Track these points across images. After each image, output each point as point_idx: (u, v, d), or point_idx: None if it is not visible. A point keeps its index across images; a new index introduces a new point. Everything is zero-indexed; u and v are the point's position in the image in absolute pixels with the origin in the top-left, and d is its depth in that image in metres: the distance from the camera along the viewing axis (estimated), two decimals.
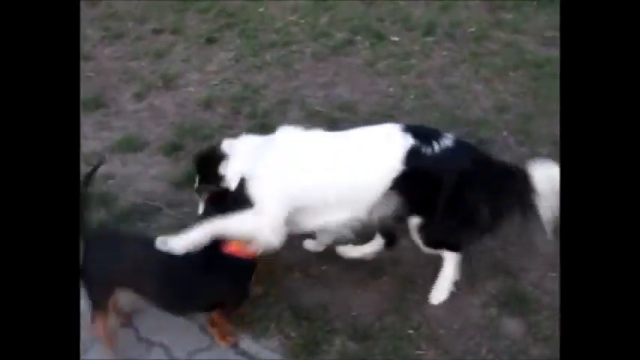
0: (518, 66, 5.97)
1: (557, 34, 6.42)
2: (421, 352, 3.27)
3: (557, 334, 3.32)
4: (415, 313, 3.48)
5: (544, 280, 3.67)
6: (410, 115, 5.26)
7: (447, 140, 3.22)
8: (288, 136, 3.39)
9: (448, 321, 3.44)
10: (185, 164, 4.69)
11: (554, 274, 3.69)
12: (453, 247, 3.49)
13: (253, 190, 3.19)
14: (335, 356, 3.24)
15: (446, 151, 3.18)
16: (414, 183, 3.20)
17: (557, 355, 3.16)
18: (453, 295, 3.56)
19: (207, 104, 5.56)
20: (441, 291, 3.55)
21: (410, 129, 3.24)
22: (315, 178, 3.21)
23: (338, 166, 3.23)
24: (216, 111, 5.46)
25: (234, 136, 4.91)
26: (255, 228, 3.14)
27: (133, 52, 6.60)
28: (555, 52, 6.05)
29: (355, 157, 3.24)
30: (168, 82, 5.96)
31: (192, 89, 5.88)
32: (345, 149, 3.28)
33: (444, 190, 3.20)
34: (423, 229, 3.34)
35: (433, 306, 3.52)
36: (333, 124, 5.14)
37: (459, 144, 3.26)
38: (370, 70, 6.00)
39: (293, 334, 3.35)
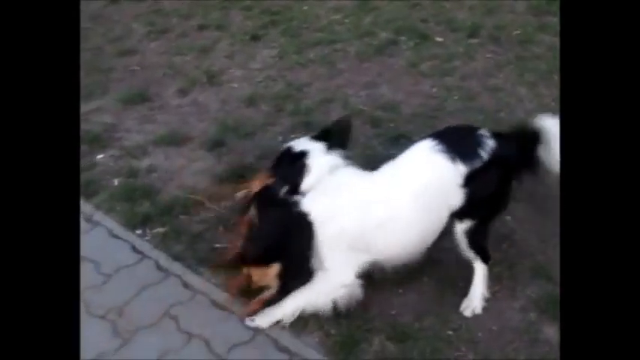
0: None
1: None
2: (460, 354, 3.26)
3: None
4: (454, 315, 3.47)
5: None
6: (453, 116, 5.23)
7: (488, 140, 3.25)
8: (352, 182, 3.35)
9: (487, 324, 3.42)
10: (228, 160, 4.72)
11: None
12: (486, 255, 3.50)
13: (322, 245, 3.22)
14: (373, 356, 3.24)
15: (491, 154, 3.22)
16: (471, 197, 3.25)
17: None
18: (493, 298, 3.55)
19: (251, 101, 5.58)
20: (475, 301, 3.52)
21: (450, 148, 3.23)
22: (384, 232, 3.25)
23: (404, 218, 3.25)
24: (259, 108, 5.48)
25: (278, 133, 4.99)
26: (333, 293, 3.31)
27: (178, 48, 6.65)
28: None
29: (418, 203, 3.25)
30: (212, 78, 5.99)
31: (235, 85, 5.91)
32: (404, 195, 3.26)
33: (493, 192, 3.30)
34: (471, 232, 3.36)
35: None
36: (376, 123, 5.15)
37: (498, 140, 3.29)
38: (413, 71, 5.98)
39: (332, 332, 3.35)
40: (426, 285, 3.63)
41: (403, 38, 6.57)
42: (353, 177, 3.33)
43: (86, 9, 7.02)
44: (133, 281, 3.66)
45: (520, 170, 3.39)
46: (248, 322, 3.38)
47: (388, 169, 3.35)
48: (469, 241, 3.38)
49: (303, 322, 3.40)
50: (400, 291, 3.62)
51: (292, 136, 4.95)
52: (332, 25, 6.83)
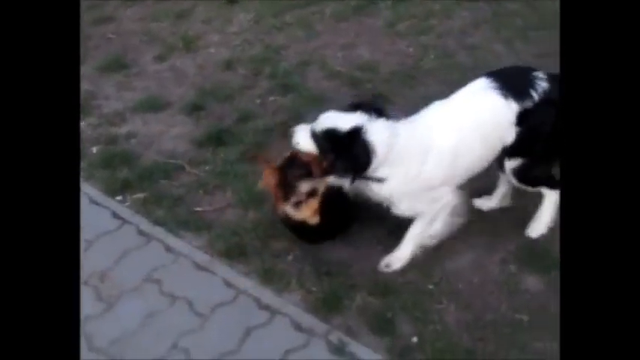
0: (539, 26, 5.91)
1: None
2: (441, 306, 3.29)
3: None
4: (436, 269, 3.50)
5: None
6: (430, 75, 5.24)
7: (542, 82, 3.27)
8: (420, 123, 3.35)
9: (468, 277, 3.46)
10: (207, 124, 4.72)
11: None
12: (551, 185, 3.54)
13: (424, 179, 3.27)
14: (356, 311, 3.27)
15: (544, 95, 3.25)
16: (522, 136, 3.30)
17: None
18: (473, 252, 3.59)
19: (228, 65, 5.56)
20: (541, 225, 3.64)
21: (501, 83, 3.27)
22: (460, 156, 3.29)
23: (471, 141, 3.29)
24: (236, 72, 5.46)
25: (256, 96, 4.99)
26: (445, 209, 3.41)
27: (154, 14, 6.60)
28: None
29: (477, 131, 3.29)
30: (189, 44, 5.96)
31: (212, 50, 5.89)
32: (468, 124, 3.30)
33: (543, 132, 3.29)
34: (522, 169, 3.43)
35: (454, 262, 3.53)
36: (354, 84, 5.16)
37: (550, 82, 3.29)
38: (391, 31, 5.97)
39: (314, 289, 3.38)
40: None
41: None
42: (416, 128, 3.30)
43: None
44: (115, 247, 3.67)
45: None
46: (384, 269, 3.49)
47: (444, 108, 3.37)
48: (520, 177, 3.46)
49: (285, 281, 3.43)
50: (380, 247, 3.63)
51: (271, 98, 4.96)
52: None
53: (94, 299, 3.35)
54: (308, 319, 3.21)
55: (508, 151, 3.37)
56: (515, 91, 3.25)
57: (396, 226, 3.64)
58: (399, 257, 3.50)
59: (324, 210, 3.44)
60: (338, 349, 3.05)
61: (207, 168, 4.27)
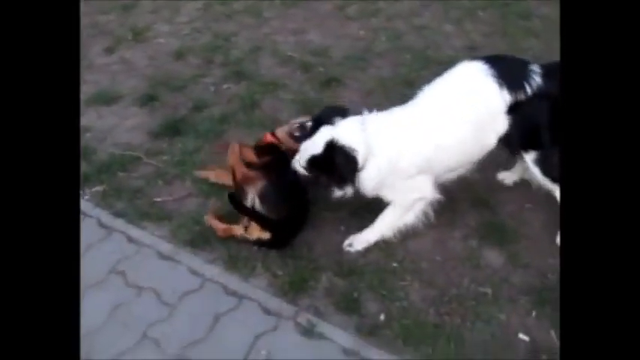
0: (487, 5, 6.00)
1: None
2: (406, 283, 3.34)
3: (536, 262, 3.42)
4: (398, 248, 3.54)
5: (521, 212, 3.75)
6: (382, 57, 5.29)
7: (535, 75, 3.26)
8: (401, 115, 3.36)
9: (431, 254, 3.51)
10: (161, 114, 4.69)
11: (530, 206, 3.77)
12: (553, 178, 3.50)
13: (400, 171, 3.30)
14: (322, 292, 3.29)
15: (539, 87, 3.24)
16: (521, 125, 3.31)
17: (536, 282, 3.29)
18: (435, 230, 3.63)
19: (179, 55, 5.53)
20: None
21: (497, 71, 3.26)
22: (440, 145, 3.30)
23: (457, 134, 3.31)
24: (188, 61, 5.43)
25: (210, 84, 4.97)
26: (421, 202, 3.48)
27: (101, 7, 6.52)
28: None
29: (465, 122, 3.30)
30: (138, 35, 5.91)
31: (162, 40, 5.85)
32: (452, 114, 3.30)
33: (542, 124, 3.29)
34: (540, 162, 3.40)
35: (416, 240, 3.57)
36: (307, 68, 5.17)
37: (545, 74, 3.28)
38: (340, 15, 6.01)
39: (280, 273, 3.40)
40: (367, 221, 3.66)
41: None
42: (399, 116, 3.34)
43: None
44: None
45: None
46: (347, 247, 3.53)
47: (434, 92, 3.38)
48: (543, 172, 3.41)
49: (250, 266, 3.44)
50: (342, 228, 3.67)
51: (225, 86, 4.95)
52: None
53: None
54: (276, 303, 3.23)
55: (518, 142, 3.39)
56: (509, 82, 3.25)
57: (359, 208, 3.68)
58: (364, 240, 3.54)
59: (269, 225, 3.46)
60: (307, 330, 3.08)
61: (164, 158, 4.24)
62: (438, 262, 3.47)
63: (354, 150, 3.15)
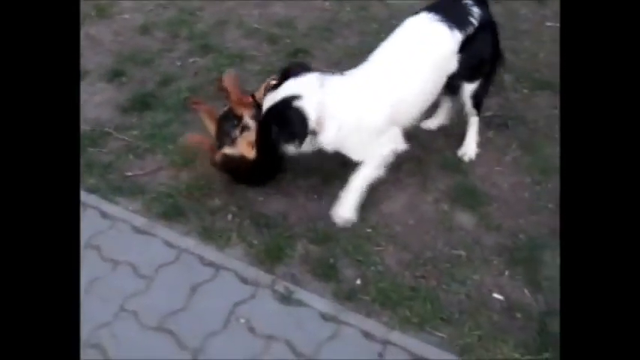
0: None
1: None
2: (380, 248, 3.38)
3: (507, 223, 3.48)
4: (372, 214, 3.57)
5: (491, 175, 3.81)
6: (348, 27, 5.29)
7: (473, 7, 3.51)
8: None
9: (404, 218, 3.55)
10: (129, 89, 4.65)
11: (499, 169, 3.83)
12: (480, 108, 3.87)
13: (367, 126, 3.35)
14: (298, 259, 3.32)
15: (480, 20, 3.50)
16: (468, 60, 3.52)
17: (508, 242, 3.34)
18: (406, 194, 3.68)
19: (144, 30, 5.46)
20: (471, 149, 3.94)
21: (442, 15, 3.45)
22: (403, 97, 3.39)
23: (415, 78, 3.43)
24: (154, 35, 5.38)
25: (176, 58, 4.94)
26: (391, 153, 3.50)
27: None
28: None
29: (424, 71, 3.45)
30: (102, 12, 5.80)
31: (127, 16, 5.75)
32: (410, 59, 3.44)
33: (486, 56, 3.62)
34: (475, 92, 3.70)
35: (388, 205, 3.62)
36: (273, 40, 5.15)
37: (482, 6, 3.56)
38: None
39: (255, 242, 3.41)
40: (338, 188, 3.66)
41: None
42: (359, 77, 3.40)
43: None
44: None
45: None
46: (336, 220, 3.52)
47: (390, 49, 3.50)
48: (474, 101, 3.75)
49: (226, 237, 3.45)
50: (315, 196, 3.69)
51: (191, 60, 4.92)
52: None
53: None
54: (252, 272, 3.24)
55: (464, 76, 3.60)
56: (457, 21, 3.44)
57: (330, 175, 3.70)
58: (348, 206, 3.53)
59: (259, 142, 3.44)
60: (285, 297, 3.10)
61: (134, 133, 4.21)
62: (412, 225, 3.51)
63: (307, 114, 3.19)
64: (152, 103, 4.47)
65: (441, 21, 3.42)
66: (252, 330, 2.97)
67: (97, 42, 5.37)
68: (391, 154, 3.49)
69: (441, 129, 4.08)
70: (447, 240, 3.41)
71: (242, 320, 3.01)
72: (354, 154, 3.45)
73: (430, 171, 3.82)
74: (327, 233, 3.44)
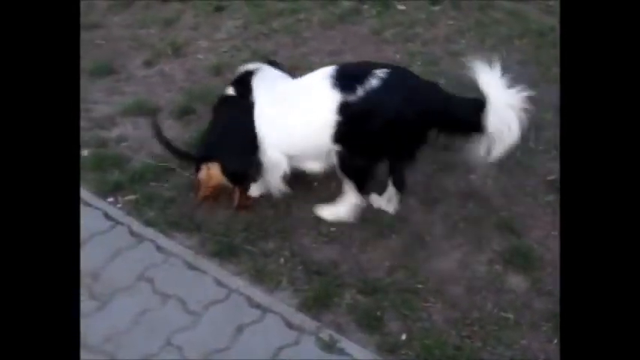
0: (523, 34, 6.01)
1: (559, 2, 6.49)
2: (428, 304, 3.36)
3: (559, 289, 3.42)
4: (423, 269, 3.56)
5: (547, 239, 3.76)
6: None
7: (374, 80, 3.41)
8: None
9: (455, 276, 3.53)
10: (196, 127, 4.75)
11: (555, 233, 3.79)
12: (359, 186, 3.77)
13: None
14: (345, 309, 3.33)
15: (371, 92, 3.41)
16: (345, 126, 3.50)
17: (559, 308, 3.29)
18: (460, 252, 3.67)
19: (217, 70, 5.58)
20: (333, 211, 3.92)
21: (339, 76, 3.52)
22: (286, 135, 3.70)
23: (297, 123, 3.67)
24: (225, 77, 5.47)
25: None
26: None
27: (142, 21, 6.60)
28: (557, 20, 6.13)
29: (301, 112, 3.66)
30: (177, 50, 5.97)
31: (201, 56, 5.91)
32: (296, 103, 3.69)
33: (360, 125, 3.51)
34: (341, 158, 3.62)
35: (440, 262, 3.61)
36: None
37: (387, 83, 3.42)
38: (377, 38, 6.03)
39: (305, 288, 3.44)
40: (394, 242, 3.72)
41: (366, 6, 6.60)
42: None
43: None
44: (107, 247, 3.69)
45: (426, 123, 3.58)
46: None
47: (292, 85, 3.89)
48: (340, 164, 3.65)
49: (276, 280, 3.49)
50: (369, 248, 3.70)
51: None
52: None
53: (87, 298, 3.37)
54: (299, 317, 3.26)
55: (333, 137, 3.55)
56: (343, 84, 3.46)
57: (384, 227, 3.73)
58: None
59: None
60: (328, 345, 3.11)
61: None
62: (462, 284, 3.49)
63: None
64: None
65: (331, 78, 3.52)
66: None
67: (170, 79, 5.52)
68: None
69: (499, 189, 4.05)
70: (497, 301, 3.38)
71: None
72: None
73: (485, 231, 3.80)
74: (377, 285, 3.45)
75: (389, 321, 3.27)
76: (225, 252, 3.65)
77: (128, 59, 5.89)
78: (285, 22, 6.39)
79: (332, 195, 4.01)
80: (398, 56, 5.72)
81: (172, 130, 4.77)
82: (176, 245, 3.71)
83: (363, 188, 3.76)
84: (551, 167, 4.28)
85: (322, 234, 3.80)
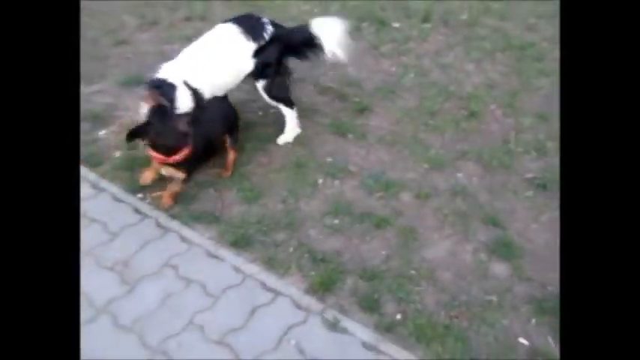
0: (505, 48, 6.02)
1: (539, 21, 6.51)
2: (421, 288, 3.38)
3: (538, 275, 3.44)
4: (416, 257, 3.57)
5: (527, 231, 3.77)
6: (410, 90, 5.33)
7: (268, 26, 4.41)
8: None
9: (445, 264, 3.54)
10: None
11: (535, 226, 3.80)
12: (287, 104, 4.68)
13: None
14: (347, 292, 3.35)
15: (271, 35, 4.40)
16: (260, 65, 4.42)
17: (537, 293, 3.30)
18: (449, 243, 3.68)
19: None
20: (287, 135, 4.72)
21: (244, 28, 4.35)
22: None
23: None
24: (241, 88, 5.45)
25: (258, 108, 5.04)
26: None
27: (166, 38, 6.59)
28: (536, 37, 6.19)
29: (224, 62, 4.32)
30: None
31: None
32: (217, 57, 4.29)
33: (275, 61, 4.45)
34: (267, 88, 4.52)
35: (432, 251, 3.62)
36: (344, 98, 5.23)
37: (275, 27, 4.46)
38: (375, 52, 6.04)
39: (312, 274, 3.45)
40: (390, 233, 3.73)
41: (365, 24, 6.62)
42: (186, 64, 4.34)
43: (82, 5, 6.96)
44: (136, 238, 3.71)
45: (295, 49, 4.49)
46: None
47: (201, 46, 4.36)
48: (267, 94, 4.54)
49: (286, 267, 3.50)
50: (368, 239, 3.71)
51: (272, 110, 5.00)
52: (302, 14, 6.78)
53: (119, 282, 3.40)
54: (306, 300, 3.29)
55: (254, 75, 4.46)
56: (253, 34, 4.33)
57: (382, 220, 3.74)
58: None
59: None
60: (332, 324, 3.13)
61: (217, 170, 4.31)
62: (451, 270, 3.50)
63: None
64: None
65: (242, 33, 4.30)
66: (301, 351, 3.01)
67: None
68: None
69: (484, 186, 4.06)
70: (482, 286, 3.39)
71: (293, 342, 3.05)
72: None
73: (472, 223, 3.82)
74: (375, 271, 3.46)
75: (386, 303, 3.28)
76: (240, 242, 3.67)
77: (155, 71, 5.88)
78: None
79: (336, 195, 4.03)
80: (393, 68, 5.74)
81: None
82: (198, 236, 3.72)
83: (291, 102, 4.66)
84: (530, 167, 4.30)
85: (327, 226, 3.81)
